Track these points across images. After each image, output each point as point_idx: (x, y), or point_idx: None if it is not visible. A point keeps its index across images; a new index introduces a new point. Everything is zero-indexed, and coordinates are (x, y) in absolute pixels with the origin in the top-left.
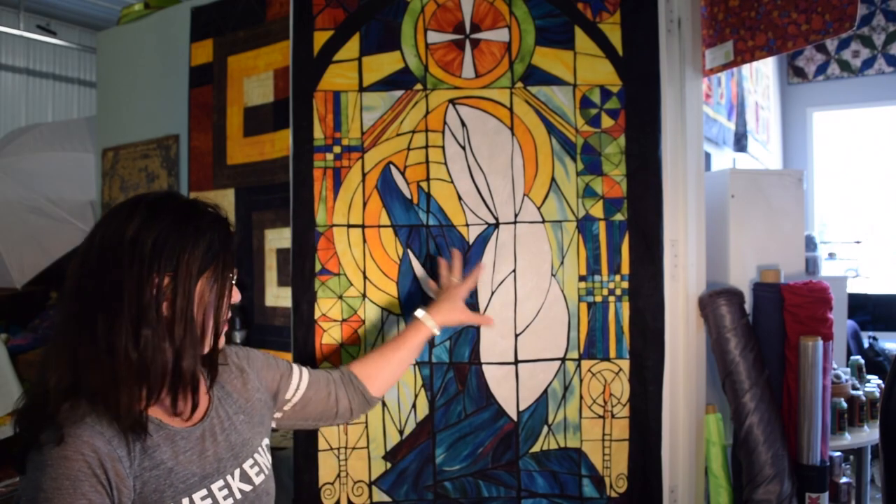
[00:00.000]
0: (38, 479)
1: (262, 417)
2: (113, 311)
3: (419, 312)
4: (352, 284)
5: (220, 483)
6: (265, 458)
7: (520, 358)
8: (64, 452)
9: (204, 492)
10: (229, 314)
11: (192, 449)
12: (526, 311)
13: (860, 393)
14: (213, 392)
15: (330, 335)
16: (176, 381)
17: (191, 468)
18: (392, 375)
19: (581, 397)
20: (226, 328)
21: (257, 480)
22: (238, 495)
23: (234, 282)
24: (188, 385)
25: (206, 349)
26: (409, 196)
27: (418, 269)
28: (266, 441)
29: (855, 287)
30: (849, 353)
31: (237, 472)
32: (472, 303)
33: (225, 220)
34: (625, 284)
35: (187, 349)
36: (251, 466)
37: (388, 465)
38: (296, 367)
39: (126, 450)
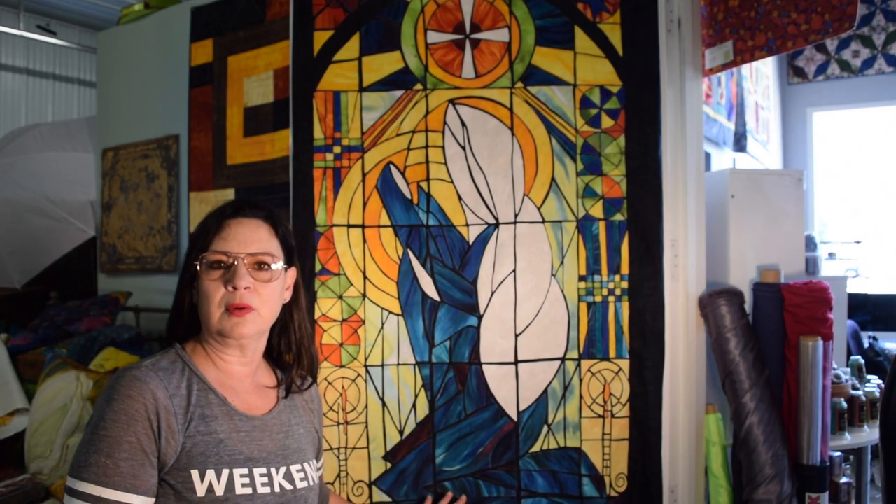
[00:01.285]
0: (103, 409)
1: (315, 442)
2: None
3: None
4: (352, 284)
5: (263, 470)
6: (314, 472)
7: (520, 358)
8: (129, 392)
9: (245, 470)
10: (230, 300)
11: (247, 433)
12: (526, 311)
13: (860, 393)
14: (281, 398)
15: (330, 335)
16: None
17: (240, 447)
18: None
19: (581, 397)
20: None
21: (300, 485)
22: (277, 489)
23: (215, 266)
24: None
25: (214, 324)
26: (409, 196)
27: None
28: (314, 461)
29: (855, 287)
30: (849, 353)
31: (283, 469)
32: (473, 303)
33: (210, 213)
34: (624, 284)
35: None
36: (298, 471)
37: (388, 465)
38: (322, 459)
39: (185, 409)
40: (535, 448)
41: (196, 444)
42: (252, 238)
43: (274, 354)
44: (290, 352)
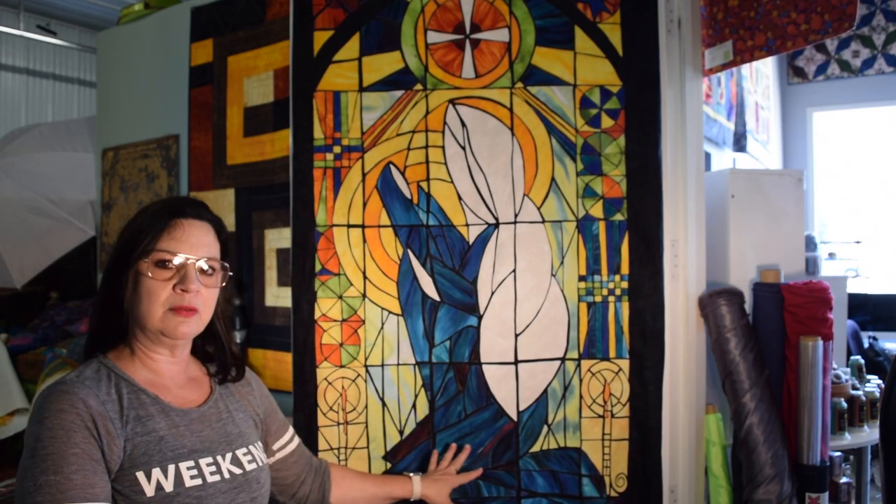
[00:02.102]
0: (36, 430)
1: (258, 424)
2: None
3: (414, 476)
4: (352, 284)
5: (209, 460)
6: (261, 453)
7: (520, 358)
8: (60, 406)
9: (191, 462)
10: (177, 302)
11: (186, 426)
12: (526, 311)
13: (860, 393)
14: (215, 386)
15: (330, 335)
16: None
17: (181, 441)
18: (356, 500)
19: (581, 397)
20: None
21: (248, 467)
22: (227, 475)
23: (157, 264)
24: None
25: (155, 323)
26: (409, 196)
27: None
28: (260, 442)
29: (855, 287)
30: (849, 353)
31: (228, 455)
32: (473, 303)
33: (157, 208)
34: (624, 284)
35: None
36: (244, 454)
37: (388, 465)
38: (291, 429)
39: (119, 413)
40: (535, 448)
41: (136, 446)
42: (203, 242)
43: (199, 354)
44: (215, 350)
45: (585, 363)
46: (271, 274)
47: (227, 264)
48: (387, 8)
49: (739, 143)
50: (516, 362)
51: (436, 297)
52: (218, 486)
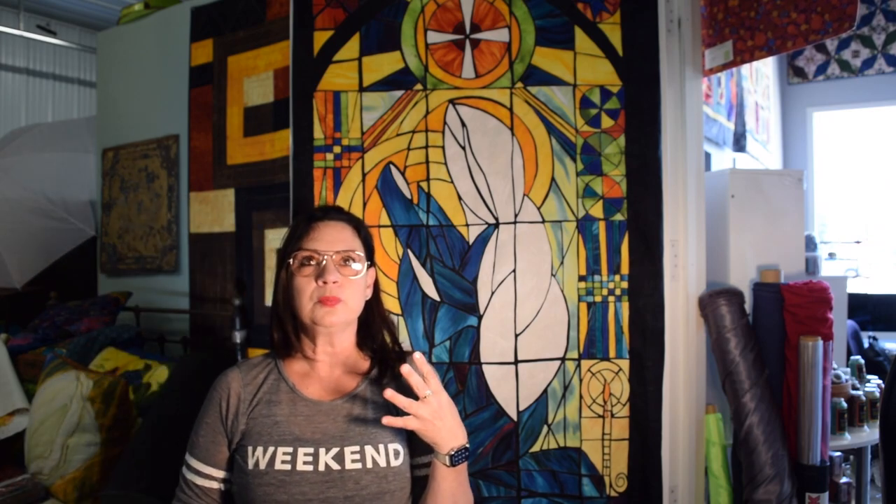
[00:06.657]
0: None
1: (400, 431)
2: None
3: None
4: None
5: (310, 450)
6: (380, 458)
7: (519, 358)
8: (214, 384)
9: (290, 449)
10: (321, 294)
11: (306, 416)
12: (526, 311)
13: (860, 393)
14: (364, 382)
15: None
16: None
17: (292, 428)
18: None
19: (581, 397)
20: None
21: (350, 466)
22: (321, 467)
23: (307, 264)
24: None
25: (307, 314)
26: (409, 196)
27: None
28: (395, 447)
29: (855, 287)
30: (849, 353)
31: (334, 450)
32: (472, 303)
33: (299, 217)
34: (624, 284)
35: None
36: (353, 453)
37: None
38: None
39: (253, 396)
40: (535, 448)
41: (256, 425)
42: (338, 238)
43: (366, 352)
44: (374, 345)
45: (585, 363)
46: (271, 274)
47: (362, 256)
48: (387, 8)
49: (739, 143)
50: (516, 362)
51: (436, 297)
52: (306, 476)
